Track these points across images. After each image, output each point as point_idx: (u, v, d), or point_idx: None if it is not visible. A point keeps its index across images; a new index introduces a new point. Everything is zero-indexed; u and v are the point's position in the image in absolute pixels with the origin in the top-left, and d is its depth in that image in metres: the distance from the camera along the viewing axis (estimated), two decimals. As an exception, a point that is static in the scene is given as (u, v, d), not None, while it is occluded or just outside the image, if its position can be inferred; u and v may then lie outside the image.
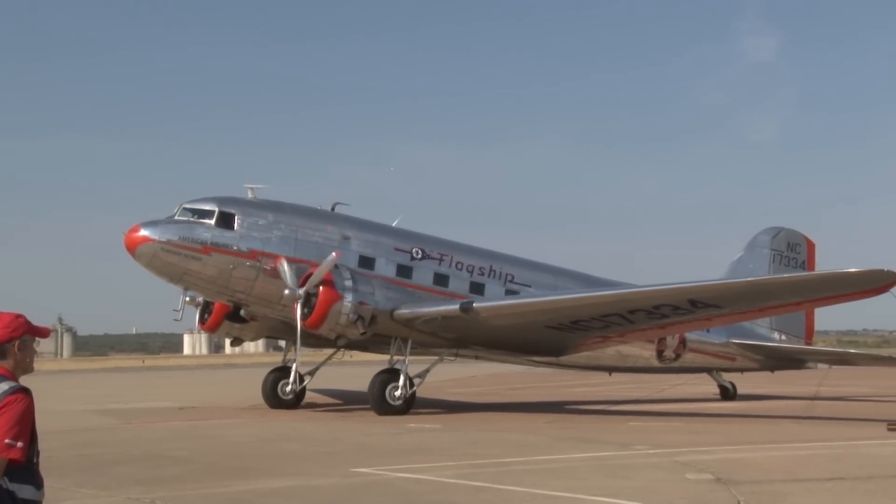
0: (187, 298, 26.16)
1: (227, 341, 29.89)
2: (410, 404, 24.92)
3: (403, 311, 24.73)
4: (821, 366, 38.59)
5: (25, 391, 5.21)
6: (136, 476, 13.54)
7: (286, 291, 23.92)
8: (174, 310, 26.16)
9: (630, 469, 14.09)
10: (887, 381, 43.13)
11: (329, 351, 28.93)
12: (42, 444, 5.36)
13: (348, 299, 23.90)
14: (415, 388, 25.12)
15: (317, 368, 28.82)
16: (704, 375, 32.96)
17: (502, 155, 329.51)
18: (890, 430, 19.83)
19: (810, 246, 34.49)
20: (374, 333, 24.73)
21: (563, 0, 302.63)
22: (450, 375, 47.13)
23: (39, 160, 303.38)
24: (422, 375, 25.77)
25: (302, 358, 27.33)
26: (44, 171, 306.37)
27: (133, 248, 24.19)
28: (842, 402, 30.67)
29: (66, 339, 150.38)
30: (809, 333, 34.08)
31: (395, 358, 25.57)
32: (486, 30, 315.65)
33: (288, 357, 28.63)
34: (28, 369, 5.45)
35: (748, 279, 24.09)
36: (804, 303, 24.75)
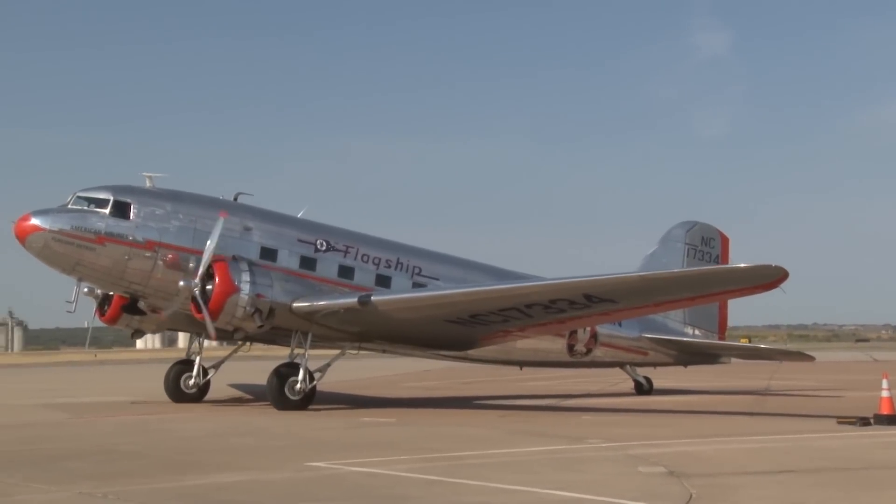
0: (85, 290, 25.38)
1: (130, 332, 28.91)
2: (310, 399, 24.48)
3: (302, 304, 24.30)
4: (734, 360, 38.26)
5: None
6: (87, 471, 13.39)
7: (181, 283, 23.43)
8: (67, 301, 25.20)
9: (583, 462, 14.15)
10: (839, 375, 43.78)
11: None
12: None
13: (245, 291, 23.43)
14: (315, 382, 24.66)
15: (222, 362, 28.50)
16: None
17: (456, 150, 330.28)
18: (840, 423, 20.09)
19: (724, 240, 34.44)
20: (272, 327, 24.29)
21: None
22: (404, 370, 47.16)
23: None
24: (322, 370, 25.22)
25: (209, 353, 27.01)
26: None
27: (23, 237, 23.51)
28: (792, 397, 31.02)
29: (17, 333, 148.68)
30: (723, 328, 34.06)
31: (296, 352, 25.10)
32: (437, 26, 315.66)
33: (192, 349, 28.20)
34: None
35: (639, 273, 23.86)
36: (698, 298, 24.19)
